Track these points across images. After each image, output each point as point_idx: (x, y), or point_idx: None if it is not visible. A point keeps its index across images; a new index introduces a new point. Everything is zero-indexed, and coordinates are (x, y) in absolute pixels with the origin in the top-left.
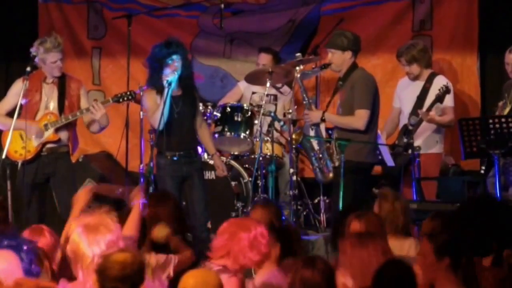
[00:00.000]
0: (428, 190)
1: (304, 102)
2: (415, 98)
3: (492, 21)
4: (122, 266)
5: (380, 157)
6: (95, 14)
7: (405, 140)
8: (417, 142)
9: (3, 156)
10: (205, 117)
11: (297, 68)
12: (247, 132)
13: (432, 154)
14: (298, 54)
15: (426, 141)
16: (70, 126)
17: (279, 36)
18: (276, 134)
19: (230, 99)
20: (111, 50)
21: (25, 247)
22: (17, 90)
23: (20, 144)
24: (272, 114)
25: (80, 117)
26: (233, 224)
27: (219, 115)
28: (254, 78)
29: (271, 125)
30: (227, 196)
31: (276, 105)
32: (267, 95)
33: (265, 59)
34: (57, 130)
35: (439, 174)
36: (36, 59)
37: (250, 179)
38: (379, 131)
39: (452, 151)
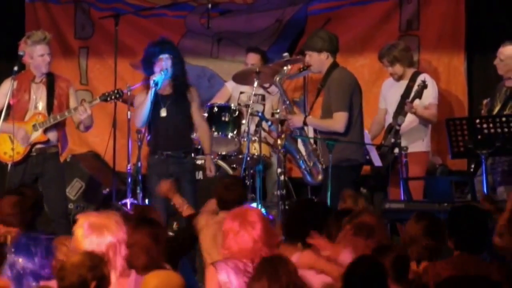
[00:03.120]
0: (416, 190)
1: (284, 107)
2: (399, 97)
3: (479, 21)
4: (78, 270)
5: (367, 157)
6: (82, 14)
7: (392, 139)
8: (403, 142)
9: None
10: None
11: (285, 68)
12: (235, 132)
13: (419, 153)
14: (286, 54)
15: (410, 139)
16: (59, 126)
17: (266, 36)
18: (263, 134)
19: (219, 100)
20: (98, 50)
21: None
22: (5, 90)
23: (9, 146)
24: (260, 114)
25: (69, 116)
26: None
27: (206, 115)
28: (241, 78)
29: (258, 125)
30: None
31: (264, 105)
32: (255, 94)
33: (253, 59)
34: (46, 130)
35: (426, 174)
36: (24, 57)
37: None
38: (366, 131)
39: (440, 151)
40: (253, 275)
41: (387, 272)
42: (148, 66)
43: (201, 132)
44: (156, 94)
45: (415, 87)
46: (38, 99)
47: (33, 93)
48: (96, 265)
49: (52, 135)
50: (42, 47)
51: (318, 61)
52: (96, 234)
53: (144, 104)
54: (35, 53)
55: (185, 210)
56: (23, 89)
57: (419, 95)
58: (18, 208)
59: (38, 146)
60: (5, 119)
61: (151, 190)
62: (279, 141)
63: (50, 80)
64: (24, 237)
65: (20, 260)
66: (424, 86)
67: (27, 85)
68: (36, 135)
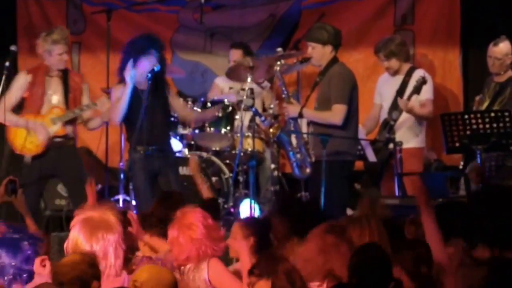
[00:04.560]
0: (410, 185)
1: (283, 96)
2: (394, 93)
3: (474, 15)
4: (71, 268)
5: (362, 152)
6: (74, 9)
7: (386, 135)
8: (397, 136)
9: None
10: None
11: (278, 62)
12: (228, 128)
13: (413, 148)
14: (279, 49)
15: (406, 134)
16: (74, 120)
17: (260, 31)
18: (257, 129)
19: (211, 95)
20: (90, 45)
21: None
22: (20, 84)
23: (27, 138)
24: (254, 109)
25: (87, 111)
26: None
27: (199, 110)
28: (235, 74)
29: (252, 120)
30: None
31: (253, 98)
32: (243, 89)
33: (235, 55)
34: (64, 124)
35: (422, 169)
36: (40, 51)
37: (231, 174)
38: (360, 126)
39: (434, 146)
40: (253, 275)
41: (390, 259)
42: (129, 58)
43: (181, 109)
44: (135, 89)
45: (414, 83)
46: (53, 93)
47: (48, 86)
48: (94, 264)
49: (69, 129)
50: (61, 46)
51: (321, 54)
52: (93, 230)
53: (122, 100)
54: (54, 52)
55: (205, 190)
56: (38, 83)
57: (417, 91)
58: None
59: (57, 139)
60: (19, 112)
61: (138, 187)
62: (271, 130)
63: (65, 74)
64: (8, 231)
65: (2, 256)
66: (423, 82)
67: (42, 78)
68: (56, 129)
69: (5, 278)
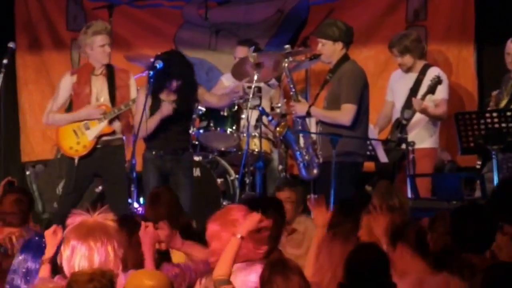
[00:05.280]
0: (423, 187)
1: (291, 94)
2: (408, 91)
3: (489, 11)
4: (89, 279)
5: (372, 153)
6: (74, 4)
7: (398, 134)
8: (410, 136)
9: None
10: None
11: (286, 60)
12: (234, 127)
13: (426, 149)
14: (287, 46)
15: (419, 134)
16: (124, 117)
17: (266, 28)
18: (264, 129)
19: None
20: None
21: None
22: (66, 85)
23: (75, 140)
24: (260, 108)
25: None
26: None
27: (204, 109)
28: (240, 72)
29: (258, 119)
30: (213, 194)
31: (260, 97)
32: (250, 87)
33: (241, 52)
34: (110, 121)
35: (435, 170)
36: (81, 48)
37: (236, 176)
38: (371, 126)
39: (448, 146)
40: (264, 278)
41: (388, 259)
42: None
43: (216, 101)
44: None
45: (428, 81)
46: (100, 92)
47: (94, 85)
48: (113, 281)
49: (117, 126)
50: (103, 37)
51: (332, 51)
52: (89, 237)
53: (155, 120)
54: (96, 44)
55: None
56: (83, 82)
57: (432, 90)
58: (18, 207)
59: (104, 138)
60: (70, 112)
61: (146, 183)
62: (278, 129)
63: (110, 72)
64: (36, 236)
65: (28, 260)
66: (438, 81)
67: (87, 77)
68: (102, 127)
69: (29, 284)
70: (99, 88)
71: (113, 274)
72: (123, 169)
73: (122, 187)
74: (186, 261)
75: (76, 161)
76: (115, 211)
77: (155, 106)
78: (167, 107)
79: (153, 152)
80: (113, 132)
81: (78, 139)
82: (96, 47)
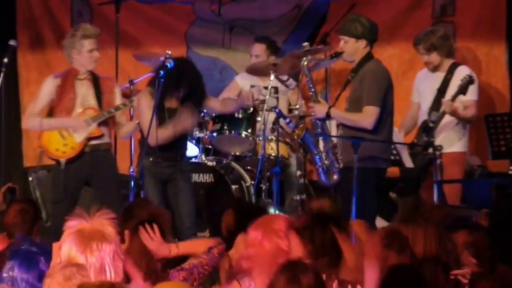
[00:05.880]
0: (452, 194)
1: (310, 94)
2: (435, 91)
3: None
4: None
5: (397, 158)
6: (79, 0)
7: (425, 138)
8: (437, 140)
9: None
10: (202, 114)
11: (304, 58)
12: (249, 130)
13: (455, 153)
14: (306, 43)
15: (447, 138)
16: (111, 123)
17: (284, 24)
18: (281, 132)
19: (228, 95)
20: (97, 39)
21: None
22: (49, 88)
23: (62, 142)
24: (277, 110)
25: (124, 109)
26: None
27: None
28: (256, 70)
29: (275, 122)
30: (227, 201)
31: (277, 98)
32: (266, 87)
33: (257, 49)
34: (99, 125)
35: (464, 176)
36: (68, 51)
37: (252, 182)
38: (396, 129)
39: (478, 150)
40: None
41: (426, 282)
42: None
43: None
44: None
45: (457, 81)
46: (86, 96)
47: (79, 90)
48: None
49: (105, 130)
50: (92, 41)
51: (354, 48)
52: (87, 243)
53: (173, 132)
54: (84, 48)
55: None
56: (68, 86)
57: (463, 90)
58: (22, 217)
59: (92, 142)
60: (53, 117)
61: (145, 193)
62: (296, 132)
63: (95, 77)
64: (26, 244)
65: (15, 267)
66: (470, 81)
67: (72, 81)
68: (91, 129)
69: None
70: (84, 92)
71: (123, 287)
72: (115, 174)
73: (116, 193)
74: (189, 261)
75: (62, 164)
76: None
77: (160, 113)
78: (190, 121)
79: (150, 159)
80: (102, 136)
81: (66, 141)
82: (84, 51)
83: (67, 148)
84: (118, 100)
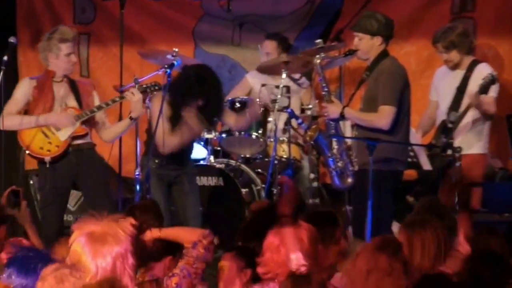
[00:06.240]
0: (472, 198)
1: (323, 93)
2: (454, 90)
3: None
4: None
5: (414, 160)
6: None
7: (443, 139)
8: (457, 141)
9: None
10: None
11: (317, 56)
12: (260, 131)
13: (475, 155)
14: (319, 40)
15: (467, 139)
16: (91, 124)
17: (296, 20)
18: (293, 133)
19: (238, 94)
20: (101, 36)
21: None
22: (25, 89)
23: (45, 140)
24: (289, 110)
25: (111, 107)
26: None
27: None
28: (267, 68)
29: (287, 123)
30: (237, 205)
31: (289, 98)
32: (277, 86)
33: (268, 47)
34: (82, 124)
35: (485, 179)
36: (44, 55)
37: (263, 185)
38: (413, 129)
39: (499, 152)
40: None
41: None
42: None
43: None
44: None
45: (478, 80)
46: (65, 96)
47: (57, 91)
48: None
49: (88, 130)
50: (70, 45)
51: (369, 46)
52: (98, 246)
53: (178, 139)
54: (62, 52)
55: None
56: (45, 87)
57: (485, 90)
58: None
59: (76, 141)
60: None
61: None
62: (309, 133)
63: (71, 80)
64: (23, 251)
65: (13, 275)
66: (492, 81)
67: (49, 83)
68: (75, 127)
69: None
70: (63, 93)
71: (123, 285)
72: (103, 172)
73: (106, 193)
74: (178, 264)
75: (47, 163)
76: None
77: (175, 118)
78: (198, 128)
79: (156, 161)
80: (86, 134)
81: (49, 140)
82: (62, 55)
83: (51, 146)
84: (97, 103)
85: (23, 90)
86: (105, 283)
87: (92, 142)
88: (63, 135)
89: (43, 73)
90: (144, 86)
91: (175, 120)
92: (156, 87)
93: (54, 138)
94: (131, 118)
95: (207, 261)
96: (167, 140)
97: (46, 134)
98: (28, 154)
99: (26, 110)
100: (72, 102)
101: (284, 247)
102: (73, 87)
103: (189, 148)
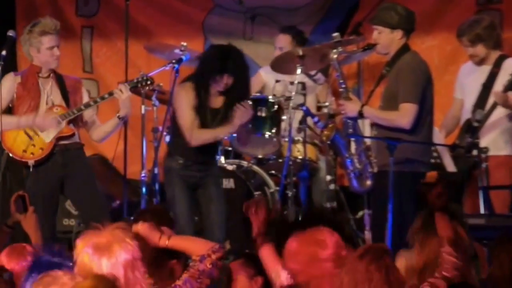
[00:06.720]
0: (499, 202)
1: (341, 90)
2: (480, 87)
3: None
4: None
5: (438, 161)
6: None
7: (468, 139)
8: (483, 141)
9: None
10: None
11: (334, 51)
12: (273, 131)
13: (502, 156)
14: (336, 34)
15: (494, 139)
16: (79, 123)
17: (311, 13)
18: (309, 133)
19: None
20: (105, 30)
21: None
22: (9, 85)
23: (29, 142)
24: (304, 108)
25: (97, 105)
26: None
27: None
28: (281, 65)
29: (302, 121)
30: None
31: (304, 95)
32: (292, 83)
33: (282, 41)
34: (68, 123)
35: None
36: (25, 49)
37: (277, 188)
38: (436, 129)
39: None
40: None
41: None
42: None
43: None
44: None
45: (506, 76)
46: (51, 94)
47: (43, 87)
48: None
49: (75, 130)
50: (52, 38)
51: (389, 39)
52: (106, 256)
53: (215, 134)
54: (43, 46)
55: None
56: (30, 83)
57: None
58: None
59: (62, 142)
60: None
61: (171, 198)
62: (325, 132)
63: (58, 76)
64: (46, 253)
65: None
66: None
67: (34, 79)
68: (60, 128)
69: None
70: (49, 90)
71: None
72: (92, 174)
73: (95, 194)
74: (183, 275)
75: (31, 166)
76: (95, 221)
77: (202, 113)
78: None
79: (180, 161)
80: (73, 135)
81: (33, 142)
82: (44, 49)
83: (35, 149)
84: (85, 100)
85: (7, 87)
86: (102, 280)
87: (80, 142)
88: (48, 137)
89: (28, 68)
90: (135, 81)
91: (204, 112)
92: (148, 82)
93: (38, 140)
94: (118, 117)
95: (213, 277)
96: (195, 132)
97: (30, 135)
98: (11, 157)
99: (11, 108)
100: (58, 99)
101: (304, 249)
102: (60, 83)
103: (214, 147)
